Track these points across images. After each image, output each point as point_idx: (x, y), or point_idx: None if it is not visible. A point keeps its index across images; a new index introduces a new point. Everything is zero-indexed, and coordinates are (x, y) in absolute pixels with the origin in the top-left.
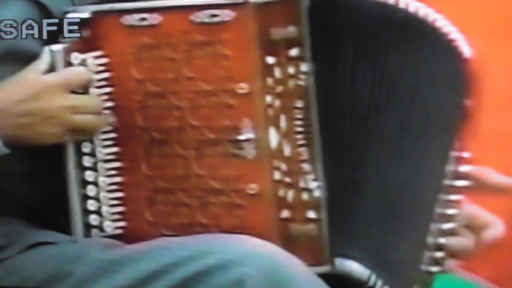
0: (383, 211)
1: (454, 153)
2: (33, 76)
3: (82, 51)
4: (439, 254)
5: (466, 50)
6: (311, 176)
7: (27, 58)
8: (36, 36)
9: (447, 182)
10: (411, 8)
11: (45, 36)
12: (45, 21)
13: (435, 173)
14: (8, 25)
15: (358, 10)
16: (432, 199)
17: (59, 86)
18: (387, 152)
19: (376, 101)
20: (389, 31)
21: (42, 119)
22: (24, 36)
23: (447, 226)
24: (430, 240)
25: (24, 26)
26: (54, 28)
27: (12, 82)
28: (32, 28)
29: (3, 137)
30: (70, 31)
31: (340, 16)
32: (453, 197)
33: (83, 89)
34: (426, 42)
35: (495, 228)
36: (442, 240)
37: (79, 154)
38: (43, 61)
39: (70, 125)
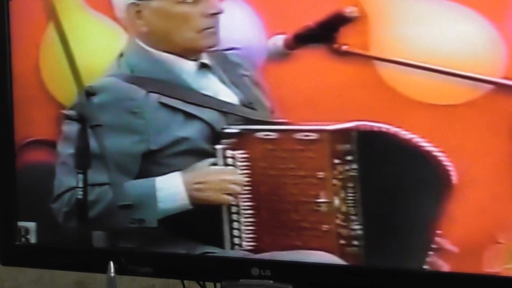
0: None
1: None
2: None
3: (233, 149)
4: None
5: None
6: (356, 222)
7: (201, 152)
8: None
9: None
10: None
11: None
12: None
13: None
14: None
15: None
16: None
17: (223, 170)
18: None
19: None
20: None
21: (210, 185)
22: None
23: None
24: None
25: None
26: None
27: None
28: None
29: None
30: (224, 139)
31: (375, 143)
32: None
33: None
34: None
35: None
36: None
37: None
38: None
39: (226, 190)
